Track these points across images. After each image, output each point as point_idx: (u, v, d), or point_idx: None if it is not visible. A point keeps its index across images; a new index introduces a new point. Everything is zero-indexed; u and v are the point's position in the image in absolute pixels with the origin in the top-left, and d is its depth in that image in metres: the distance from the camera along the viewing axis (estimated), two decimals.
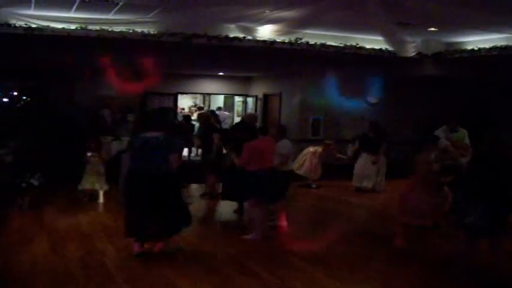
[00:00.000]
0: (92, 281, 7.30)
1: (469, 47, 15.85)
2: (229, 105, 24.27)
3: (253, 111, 21.02)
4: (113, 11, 12.53)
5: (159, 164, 8.15)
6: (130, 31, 13.59)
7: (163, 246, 8.66)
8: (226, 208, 12.24)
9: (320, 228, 10.98)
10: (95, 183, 12.52)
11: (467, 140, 11.65)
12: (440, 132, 11.54)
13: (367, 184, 15.28)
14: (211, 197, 13.30)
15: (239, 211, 11.76)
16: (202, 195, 13.50)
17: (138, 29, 13.63)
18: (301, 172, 15.48)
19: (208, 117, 14.09)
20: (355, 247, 9.49)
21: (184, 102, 23.74)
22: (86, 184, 12.51)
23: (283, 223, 10.67)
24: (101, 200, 12.53)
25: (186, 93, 22.56)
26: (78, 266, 7.95)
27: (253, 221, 9.92)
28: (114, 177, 12.27)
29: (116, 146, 15.14)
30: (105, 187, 12.61)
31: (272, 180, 9.72)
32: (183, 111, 23.48)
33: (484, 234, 7.62)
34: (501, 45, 14.62)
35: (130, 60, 14.94)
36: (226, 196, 11.65)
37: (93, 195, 12.65)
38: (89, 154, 12.48)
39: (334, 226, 11.31)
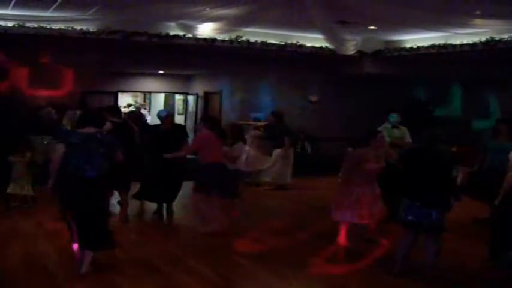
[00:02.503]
0: (33, 283, 7.24)
1: (408, 45, 16.13)
2: (170, 103, 24.14)
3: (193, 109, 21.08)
4: (51, 8, 12.36)
5: (98, 163, 7.57)
6: (70, 29, 13.45)
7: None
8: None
9: (261, 225, 11.02)
10: (21, 187, 11.93)
11: (408, 138, 11.80)
12: (383, 129, 11.67)
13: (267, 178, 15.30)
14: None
15: (159, 212, 11.58)
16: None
17: (78, 27, 13.49)
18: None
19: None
20: (295, 243, 9.59)
21: (125, 101, 23.48)
22: (13, 188, 11.90)
23: (229, 220, 10.68)
24: (29, 204, 11.92)
25: (126, 92, 22.33)
26: (18, 267, 7.86)
27: (204, 214, 9.92)
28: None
29: (54, 147, 14.81)
30: (30, 192, 11.95)
31: (223, 174, 9.77)
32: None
33: (420, 231, 7.74)
34: (439, 44, 14.90)
35: (69, 58, 14.77)
36: (144, 196, 11.44)
37: (23, 199, 12.02)
38: (10, 157, 11.89)
39: (274, 223, 11.36)
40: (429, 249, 7.70)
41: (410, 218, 7.62)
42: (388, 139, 10.82)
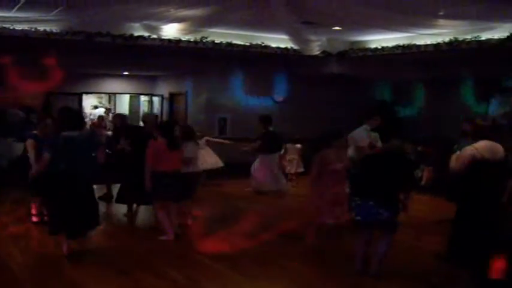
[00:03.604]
0: None
1: (373, 46, 16.23)
2: (135, 105, 24.05)
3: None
4: (14, 9, 12.24)
5: (86, 161, 8.42)
6: (33, 29, 13.32)
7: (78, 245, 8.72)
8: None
9: (228, 226, 11.03)
10: None
11: (379, 141, 11.86)
12: (362, 131, 11.70)
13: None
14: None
15: (129, 214, 11.60)
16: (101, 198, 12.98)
17: (41, 28, 13.37)
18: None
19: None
20: (263, 244, 9.60)
21: (89, 103, 23.35)
22: None
23: (188, 222, 10.71)
24: None
25: (91, 93, 22.23)
26: None
27: (162, 222, 9.88)
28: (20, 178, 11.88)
29: (19, 147, 14.67)
30: None
31: (178, 181, 9.72)
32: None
33: (375, 229, 7.80)
34: (404, 44, 15.02)
35: (32, 59, 14.62)
36: (118, 199, 11.52)
37: None
38: None
39: (240, 223, 11.37)
40: (381, 244, 7.77)
41: (359, 218, 7.67)
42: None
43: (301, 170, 16.58)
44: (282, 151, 15.93)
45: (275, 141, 14.70)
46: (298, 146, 16.85)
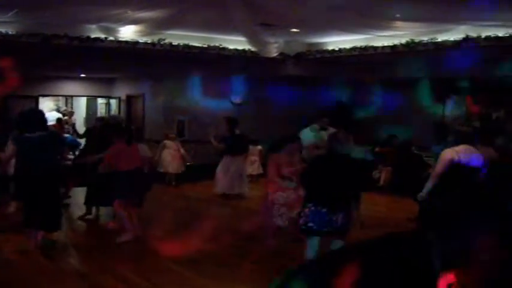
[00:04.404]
0: None
1: (330, 47, 16.35)
2: (92, 107, 23.91)
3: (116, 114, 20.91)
4: None
5: (48, 160, 8.73)
6: None
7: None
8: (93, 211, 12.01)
9: (188, 229, 11.02)
10: None
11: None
12: (308, 131, 11.78)
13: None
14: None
15: (86, 217, 11.61)
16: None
17: None
18: (162, 169, 15.71)
19: None
20: (224, 246, 9.58)
21: (46, 105, 23.13)
22: None
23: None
24: None
25: (47, 96, 22.05)
26: None
27: (122, 223, 9.84)
28: None
29: None
30: None
31: (137, 181, 9.74)
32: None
33: (326, 236, 7.57)
34: (361, 46, 15.16)
35: None
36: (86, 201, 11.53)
37: None
38: None
39: (201, 226, 11.37)
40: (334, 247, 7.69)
41: (312, 225, 7.38)
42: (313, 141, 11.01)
43: (260, 171, 16.68)
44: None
45: (240, 144, 14.74)
46: (259, 147, 16.94)
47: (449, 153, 8.25)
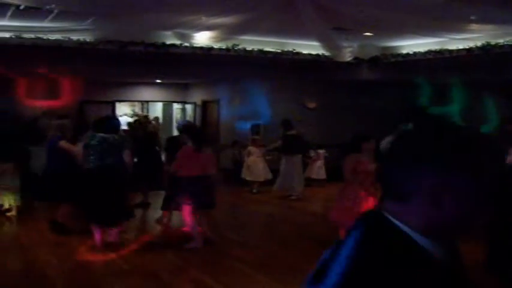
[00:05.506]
0: None
1: (404, 51, 16.16)
2: (168, 112, 24.17)
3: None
4: (48, 19, 12.37)
5: (114, 160, 9.20)
6: (67, 39, 13.47)
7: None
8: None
9: (263, 233, 11.03)
10: (8, 198, 11.95)
11: None
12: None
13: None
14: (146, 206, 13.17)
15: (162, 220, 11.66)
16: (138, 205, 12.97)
17: (74, 37, 13.51)
18: (247, 177, 15.69)
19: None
20: (298, 251, 9.56)
21: (122, 110, 23.48)
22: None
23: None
24: (14, 213, 11.94)
25: (123, 101, 22.38)
26: (19, 278, 7.88)
27: (191, 229, 9.89)
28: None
29: None
30: (13, 202, 12.00)
31: (204, 187, 9.73)
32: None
33: None
34: (435, 49, 14.93)
35: (66, 68, 14.77)
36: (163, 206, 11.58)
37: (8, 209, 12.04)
38: None
39: (276, 231, 11.37)
40: None
41: None
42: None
43: (324, 177, 16.86)
44: (312, 154, 16.15)
45: (292, 144, 14.89)
46: (322, 151, 16.95)
47: None
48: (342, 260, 1.58)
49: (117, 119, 10.87)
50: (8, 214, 11.86)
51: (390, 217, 1.64)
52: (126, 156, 9.42)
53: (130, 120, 20.26)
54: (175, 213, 11.09)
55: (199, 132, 10.79)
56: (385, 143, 11.23)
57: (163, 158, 12.74)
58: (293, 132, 14.97)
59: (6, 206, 11.90)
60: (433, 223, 1.60)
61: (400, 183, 1.63)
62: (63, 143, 10.09)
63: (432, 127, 1.69)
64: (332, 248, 1.67)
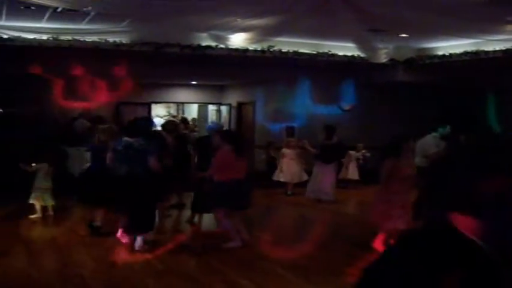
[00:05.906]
0: None
1: (440, 53, 16.00)
2: (203, 114, 24.23)
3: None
4: (85, 21, 12.49)
5: (141, 164, 9.02)
6: (103, 41, 13.57)
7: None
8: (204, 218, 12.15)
9: (297, 235, 10.99)
10: (41, 197, 11.98)
11: None
12: (430, 139, 11.52)
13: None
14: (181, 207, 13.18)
15: (192, 221, 11.72)
16: (174, 206, 13.12)
17: (111, 39, 13.62)
18: (281, 178, 15.64)
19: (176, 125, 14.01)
20: (332, 253, 9.53)
21: (158, 112, 23.58)
22: (33, 198, 11.93)
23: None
24: (51, 212, 12.07)
25: (159, 103, 22.49)
26: (55, 278, 7.94)
27: (229, 230, 9.88)
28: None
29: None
30: (49, 202, 12.07)
31: (239, 189, 9.71)
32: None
33: None
34: (472, 50, 14.76)
35: (102, 70, 14.86)
36: (194, 208, 11.60)
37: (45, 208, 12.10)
38: (31, 166, 12.02)
39: (310, 232, 11.32)
40: None
41: None
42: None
43: (356, 177, 16.91)
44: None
45: (332, 152, 14.71)
46: (353, 152, 17.00)
47: None
48: None
49: (145, 120, 10.80)
50: (32, 216, 11.92)
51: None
52: (152, 162, 9.14)
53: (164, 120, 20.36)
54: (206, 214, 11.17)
55: (240, 138, 10.79)
56: (424, 144, 11.16)
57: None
58: (334, 140, 14.68)
59: (38, 206, 11.95)
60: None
61: (469, 193, 1.62)
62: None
63: (491, 138, 1.75)
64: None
